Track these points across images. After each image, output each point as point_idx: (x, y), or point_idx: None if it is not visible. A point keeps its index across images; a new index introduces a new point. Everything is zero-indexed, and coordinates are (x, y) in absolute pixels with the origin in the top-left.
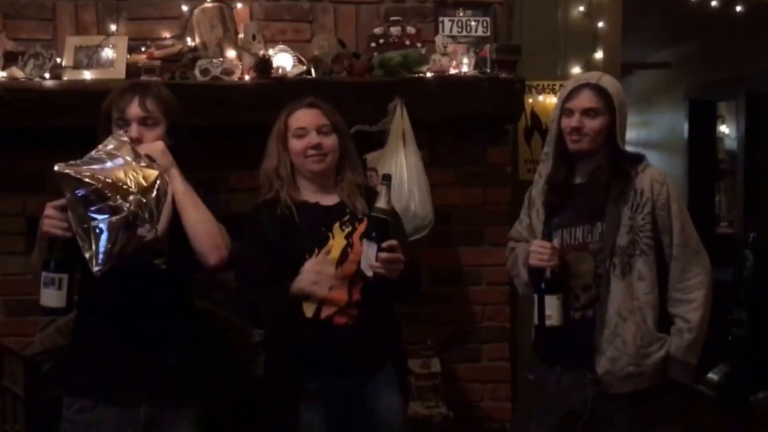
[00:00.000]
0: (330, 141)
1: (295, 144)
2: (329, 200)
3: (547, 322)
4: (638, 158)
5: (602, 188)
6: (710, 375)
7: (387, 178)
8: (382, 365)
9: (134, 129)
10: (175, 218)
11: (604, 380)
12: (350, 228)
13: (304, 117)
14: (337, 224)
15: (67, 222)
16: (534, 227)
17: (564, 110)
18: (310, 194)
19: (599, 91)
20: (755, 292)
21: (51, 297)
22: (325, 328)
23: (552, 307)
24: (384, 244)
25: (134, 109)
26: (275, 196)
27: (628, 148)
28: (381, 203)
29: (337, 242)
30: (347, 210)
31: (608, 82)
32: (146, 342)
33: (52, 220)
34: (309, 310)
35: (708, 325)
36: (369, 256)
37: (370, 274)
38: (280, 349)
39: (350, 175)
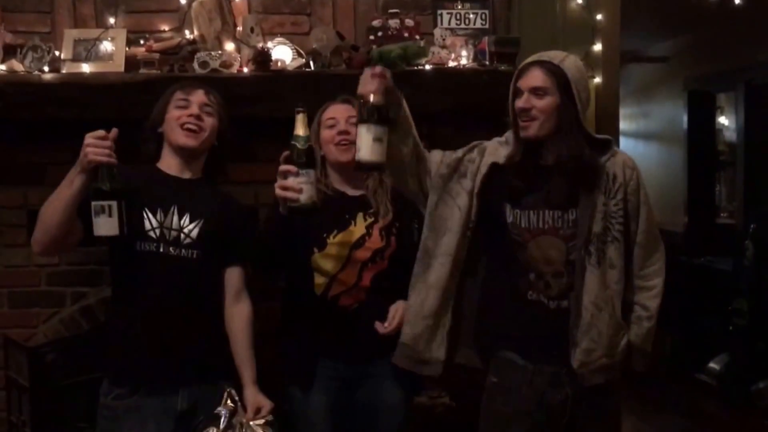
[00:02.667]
0: None
1: (326, 134)
2: (355, 192)
3: (357, 155)
4: (607, 143)
5: (573, 174)
6: (711, 365)
7: (301, 107)
8: (385, 354)
9: (195, 108)
10: (212, 214)
11: (579, 373)
12: (372, 219)
13: (335, 110)
14: (361, 213)
15: (109, 149)
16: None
17: (515, 90)
18: (337, 184)
19: (550, 70)
20: (755, 282)
21: (104, 225)
22: (332, 308)
23: (362, 139)
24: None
25: (200, 96)
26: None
27: (624, 140)
28: (297, 131)
29: (357, 229)
30: (372, 204)
31: (570, 64)
32: (182, 331)
33: (94, 147)
34: (319, 287)
35: (708, 315)
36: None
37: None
38: (291, 328)
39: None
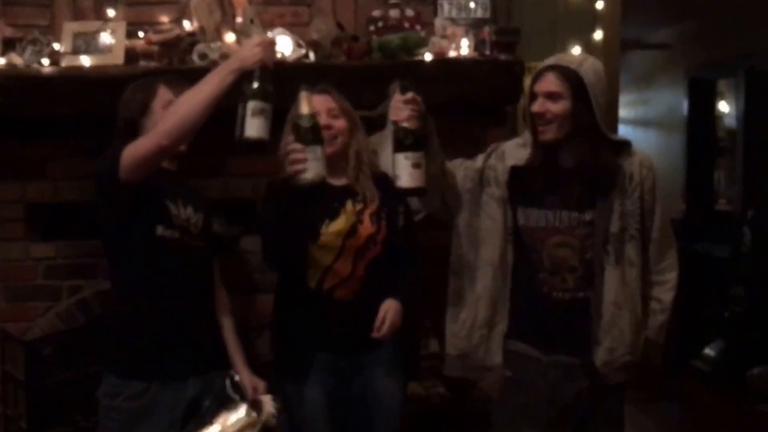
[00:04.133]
0: (339, 123)
1: None
2: (339, 182)
3: (397, 183)
4: (625, 144)
5: (591, 177)
6: (707, 351)
7: (305, 86)
8: (379, 344)
9: None
10: (205, 205)
11: (602, 372)
12: (362, 206)
13: (314, 101)
14: (350, 201)
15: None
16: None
17: (532, 95)
18: None
19: (564, 74)
20: (753, 269)
21: (258, 127)
22: (327, 300)
23: (400, 166)
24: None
25: None
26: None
27: (624, 127)
28: (302, 110)
29: (348, 217)
30: (358, 191)
31: (587, 68)
32: (197, 320)
33: (266, 50)
34: (312, 280)
35: (705, 302)
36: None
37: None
38: (286, 323)
39: (358, 160)
